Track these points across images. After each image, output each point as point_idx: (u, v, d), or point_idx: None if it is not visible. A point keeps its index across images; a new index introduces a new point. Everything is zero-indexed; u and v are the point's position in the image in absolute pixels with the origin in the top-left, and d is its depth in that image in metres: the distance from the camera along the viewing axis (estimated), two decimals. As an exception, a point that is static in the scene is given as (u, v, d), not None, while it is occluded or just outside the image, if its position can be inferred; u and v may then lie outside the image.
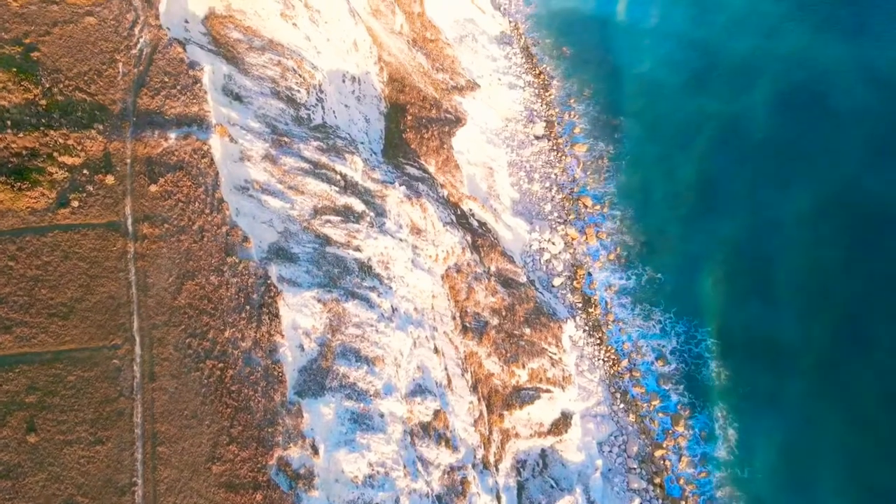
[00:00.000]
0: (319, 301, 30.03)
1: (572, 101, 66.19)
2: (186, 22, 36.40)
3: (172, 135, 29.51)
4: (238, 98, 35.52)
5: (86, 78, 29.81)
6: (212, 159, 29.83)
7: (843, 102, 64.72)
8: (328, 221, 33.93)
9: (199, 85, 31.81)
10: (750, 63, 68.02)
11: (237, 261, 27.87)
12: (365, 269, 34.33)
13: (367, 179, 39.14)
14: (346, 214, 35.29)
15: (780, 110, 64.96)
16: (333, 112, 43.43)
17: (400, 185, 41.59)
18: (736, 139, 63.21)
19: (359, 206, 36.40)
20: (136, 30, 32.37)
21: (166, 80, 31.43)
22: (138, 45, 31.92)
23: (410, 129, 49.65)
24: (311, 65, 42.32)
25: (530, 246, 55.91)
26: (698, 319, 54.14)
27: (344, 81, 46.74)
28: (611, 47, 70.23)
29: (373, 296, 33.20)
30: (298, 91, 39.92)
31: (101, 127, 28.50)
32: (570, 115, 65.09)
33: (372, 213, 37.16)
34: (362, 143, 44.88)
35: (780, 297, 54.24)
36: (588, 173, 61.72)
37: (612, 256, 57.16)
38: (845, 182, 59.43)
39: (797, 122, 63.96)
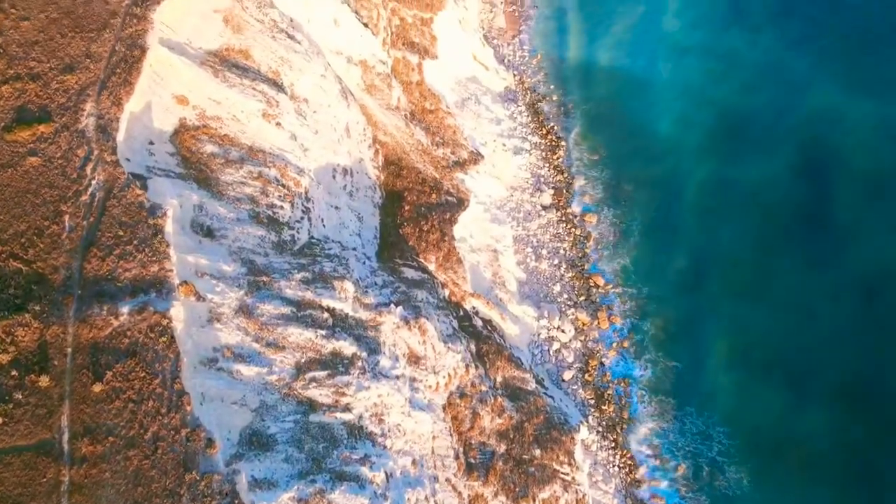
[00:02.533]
0: (299, 502, 25.05)
1: (582, 164, 60.95)
2: (151, 144, 31.29)
3: (125, 309, 24.47)
4: (210, 233, 30.44)
5: (23, 240, 24.76)
6: (172, 336, 24.80)
7: (871, 164, 59.43)
8: (313, 380, 28.94)
9: (160, 237, 26.74)
10: (770, 122, 62.61)
11: (197, 478, 22.87)
12: (355, 432, 29.38)
13: (359, 307, 34.12)
14: (334, 364, 30.29)
15: (803, 175, 59.59)
16: (322, 221, 38.35)
17: (396, 304, 36.59)
18: (757, 208, 57.87)
19: (349, 348, 31.41)
20: (89, 169, 27.30)
21: (121, 233, 26.36)
22: (90, 190, 26.86)
23: (408, 221, 44.56)
24: (296, 169, 37.22)
25: (538, 335, 50.88)
26: (720, 417, 49.20)
27: (334, 177, 41.64)
28: (622, 103, 64.84)
29: (364, 470, 28.23)
30: (281, 207, 34.81)
31: (37, 308, 23.45)
32: (580, 180, 59.88)
33: (364, 353, 32.18)
34: (354, 248, 39.83)
35: (810, 392, 49.22)
36: (599, 247, 56.61)
37: (625, 343, 52.15)
38: (878, 258, 54.24)
39: (822, 188, 58.59)
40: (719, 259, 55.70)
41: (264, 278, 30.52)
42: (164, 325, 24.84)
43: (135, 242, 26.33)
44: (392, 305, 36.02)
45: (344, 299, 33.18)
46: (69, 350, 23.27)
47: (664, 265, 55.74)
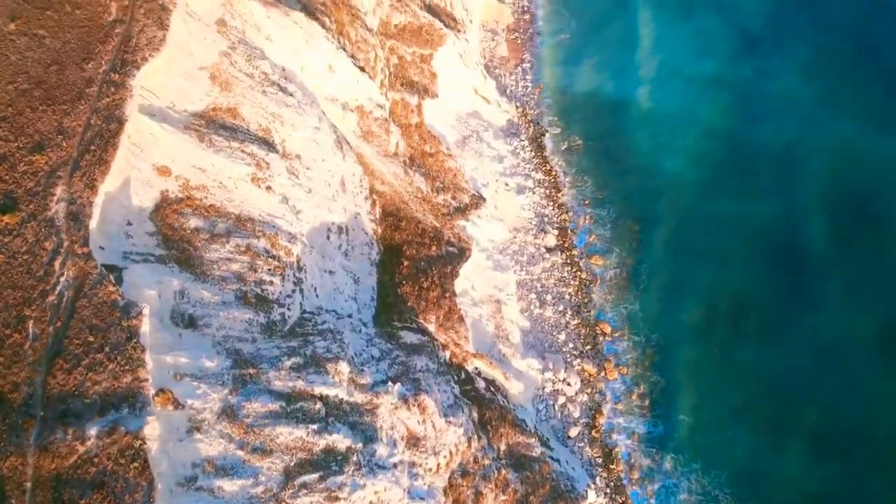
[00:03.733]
0: None
1: (587, 202, 58.33)
2: (129, 224, 28.77)
3: (93, 431, 21.97)
4: (192, 323, 27.94)
5: (-19, 354, 22.28)
6: (145, 460, 22.29)
7: (891, 204, 56.74)
8: (303, 486, 26.44)
9: (134, 342, 24.23)
10: (783, 157, 59.91)
11: None
12: (349, 540, 26.93)
13: (354, 390, 31.61)
14: (327, 463, 27.80)
15: (817, 214, 56.85)
16: (315, 290, 35.82)
17: (394, 381, 34.08)
18: (770, 249, 55.15)
19: (343, 441, 28.92)
20: (57, 264, 24.76)
21: (91, 339, 23.85)
22: (58, 289, 24.33)
23: (407, 279, 42.03)
24: (287, 236, 34.69)
25: (543, 389, 48.33)
26: (728, 476, 46.48)
27: (329, 237, 39.10)
28: (628, 137, 62.25)
29: (358, 585, 25.80)
30: (271, 282, 32.29)
31: (-6, 436, 20.98)
32: (585, 219, 57.27)
33: (360, 443, 29.68)
34: (350, 315, 37.30)
35: (832, 455, 46.52)
36: (606, 292, 54.00)
37: (634, 396, 49.57)
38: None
39: (836, 228, 55.93)
40: (731, 304, 53.01)
41: (251, 370, 28.02)
42: (136, 447, 22.33)
43: (106, 350, 23.80)
44: (389, 383, 33.51)
45: (338, 384, 30.69)
46: (29, 484, 20.79)
47: (674, 310, 53.06)
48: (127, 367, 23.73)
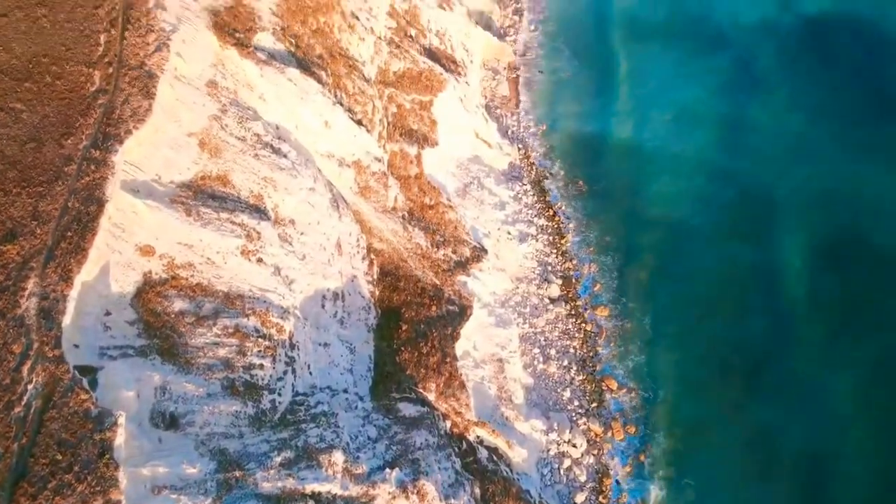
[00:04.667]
0: None
1: (591, 249, 56.24)
2: (107, 314, 26.75)
3: (58, 567, 19.85)
4: (174, 422, 25.85)
5: (-62, 481, 20.20)
6: None
7: (897, 248, 54.76)
8: None
9: (107, 458, 22.14)
10: (792, 200, 57.78)
11: None
12: None
13: (349, 482, 29.42)
14: (318, 573, 25.62)
15: (825, 258, 54.67)
16: (308, 367, 33.73)
17: (392, 466, 31.90)
18: (786, 301, 52.83)
19: (336, 544, 26.75)
20: (25, 370, 22.72)
21: (59, 457, 21.77)
22: (25, 399, 22.27)
23: (406, 344, 39.94)
24: (279, 311, 32.65)
25: (548, 451, 46.06)
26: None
27: (324, 306, 37.06)
28: (632, 180, 60.22)
29: None
30: (261, 366, 30.21)
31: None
32: (590, 268, 55.16)
33: (354, 544, 27.51)
34: (346, 390, 35.19)
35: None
36: (612, 345, 51.84)
37: (642, 457, 47.28)
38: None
39: (849, 274, 53.83)
40: (743, 357, 50.84)
41: (237, 473, 25.88)
42: (106, 583, 20.22)
43: (75, 469, 21.70)
44: (387, 470, 31.33)
45: (332, 477, 28.54)
46: None
47: (682, 364, 50.85)
48: (98, 489, 21.63)
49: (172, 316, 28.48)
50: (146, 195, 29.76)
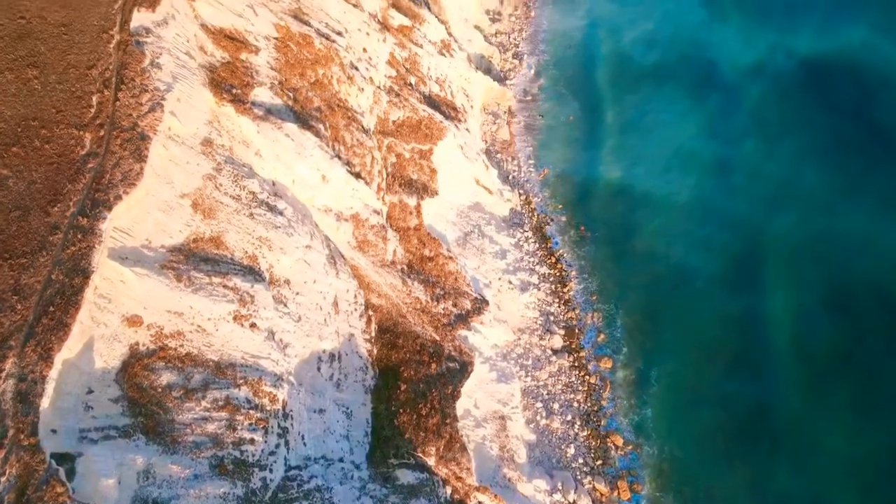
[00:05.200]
0: None
1: (593, 297, 54.94)
2: (89, 393, 25.38)
3: None
4: (156, 509, 24.31)
5: None
6: None
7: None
8: None
9: (81, 559, 20.59)
10: (800, 249, 56.56)
11: None
12: None
13: (343, 565, 27.74)
14: None
15: (832, 304, 53.31)
16: (302, 438, 32.19)
17: (388, 544, 30.21)
18: (794, 352, 51.35)
19: None
20: (-2, 460, 21.30)
21: (31, 559, 20.25)
22: (-3, 494, 20.83)
23: (405, 406, 38.40)
24: (273, 379, 31.25)
25: (552, 513, 44.23)
26: None
27: (319, 369, 35.65)
28: (633, 225, 59.10)
29: None
30: (252, 440, 28.70)
31: None
32: (593, 317, 53.77)
33: None
34: (341, 459, 33.60)
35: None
36: (617, 398, 50.21)
37: (649, 519, 45.42)
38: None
39: (861, 327, 52.29)
40: (751, 411, 49.17)
41: (223, 563, 24.25)
42: None
43: (48, 574, 20.18)
44: (383, 548, 29.63)
45: (324, 560, 26.85)
46: None
47: (688, 418, 49.17)
48: None
49: (159, 390, 27.09)
50: (135, 262, 28.59)
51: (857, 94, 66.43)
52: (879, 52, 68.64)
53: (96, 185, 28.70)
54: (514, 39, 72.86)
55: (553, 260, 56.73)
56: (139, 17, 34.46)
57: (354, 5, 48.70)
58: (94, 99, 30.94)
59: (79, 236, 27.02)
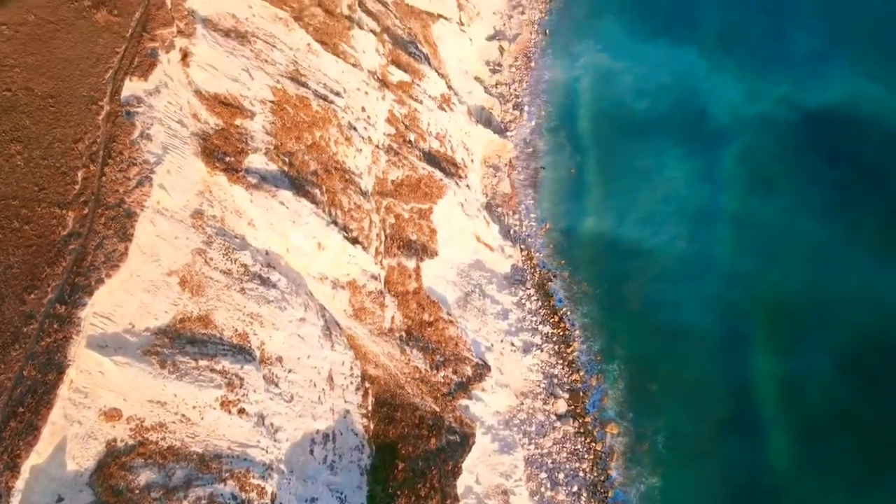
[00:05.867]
0: None
1: (599, 358, 52.92)
2: (60, 501, 23.31)
3: None
4: None
5: None
6: None
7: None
8: None
9: None
10: (806, 307, 54.74)
11: None
12: None
13: None
14: None
15: (846, 372, 51.28)
16: (292, 533, 30.00)
17: None
18: (801, 414, 49.41)
19: None
20: (-49, 591, 19.17)
21: None
22: None
23: (402, 487, 36.17)
24: (261, 469, 29.17)
25: None
26: None
27: (312, 452, 33.54)
28: (638, 281, 57.27)
29: None
30: (237, 542, 26.55)
31: None
32: (597, 379, 51.69)
33: None
34: (334, 553, 31.30)
35: None
36: (623, 466, 47.86)
37: None
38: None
39: (873, 386, 50.36)
40: (762, 481, 46.84)
41: None
42: None
43: None
44: None
45: None
46: None
47: (698, 489, 46.85)
48: None
49: (137, 492, 25.03)
50: (115, 350, 26.79)
51: (854, 144, 65.41)
52: (876, 102, 67.81)
53: (77, 268, 27.06)
54: (515, 90, 72.05)
55: (556, 318, 54.85)
56: (131, 87, 33.30)
57: (353, 65, 47.80)
58: (80, 174, 29.52)
59: (55, 326, 25.27)
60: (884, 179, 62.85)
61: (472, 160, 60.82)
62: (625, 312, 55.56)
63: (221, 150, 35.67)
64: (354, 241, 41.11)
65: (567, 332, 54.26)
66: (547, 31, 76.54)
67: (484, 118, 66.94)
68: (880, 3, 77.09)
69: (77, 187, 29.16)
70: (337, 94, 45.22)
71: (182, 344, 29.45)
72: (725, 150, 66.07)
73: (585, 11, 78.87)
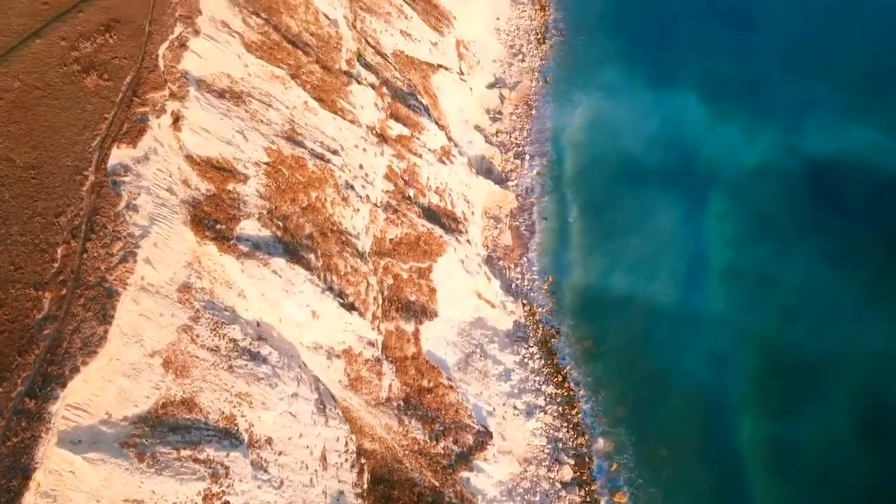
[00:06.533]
0: None
1: (604, 420, 50.54)
2: None
3: None
4: None
5: None
6: None
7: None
8: None
9: None
10: (821, 363, 52.52)
11: None
12: None
13: None
14: None
15: (869, 435, 49.00)
16: None
17: None
18: (820, 480, 46.88)
19: None
20: None
21: None
22: None
23: (399, 577, 33.61)
24: (246, 570, 26.80)
25: None
26: None
27: (303, 543, 31.15)
28: (647, 339, 55.12)
29: None
30: None
31: None
32: (604, 444, 49.27)
33: None
34: None
35: None
36: (633, 540, 45.24)
37: None
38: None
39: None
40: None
41: None
42: None
43: None
44: None
45: None
46: None
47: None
48: None
49: None
50: (89, 445, 24.72)
51: (867, 196, 64.00)
52: (889, 153, 66.58)
53: (51, 356, 25.17)
54: (516, 139, 70.96)
55: (560, 378, 52.64)
56: (118, 154, 31.89)
57: (351, 121, 46.57)
58: (59, 251, 27.85)
59: (23, 424, 23.27)
60: (883, 227, 61.28)
61: (472, 212, 59.30)
62: (631, 371, 53.32)
63: (212, 218, 34.06)
64: (351, 307, 39.26)
65: (571, 393, 52.00)
66: (547, 79, 75.74)
67: (484, 168, 65.68)
68: (879, 49, 76.46)
69: (56, 265, 27.45)
70: (334, 152, 43.87)
71: (163, 432, 27.39)
72: (728, 199, 64.49)
73: (585, 58, 78.23)
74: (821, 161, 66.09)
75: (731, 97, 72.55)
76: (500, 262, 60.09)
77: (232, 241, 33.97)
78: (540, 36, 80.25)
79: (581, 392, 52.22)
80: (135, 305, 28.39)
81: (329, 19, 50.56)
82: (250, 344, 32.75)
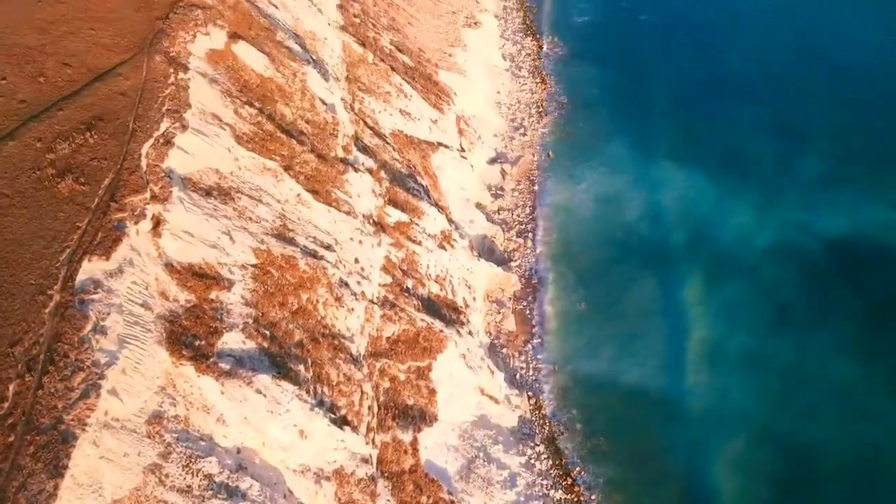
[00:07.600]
0: None
1: (618, 530, 46.23)
2: None
3: None
4: None
5: None
6: None
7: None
8: None
9: None
10: (848, 464, 48.48)
11: None
12: None
13: None
14: None
15: None
16: None
17: None
18: None
19: None
20: None
21: None
22: None
23: None
24: None
25: None
26: None
27: None
28: (659, 436, 51.06)
29: None
30: None
31: None
32: (619, 559, 44.80)
33: None
34: None
35: None
36: None
37: None
38: None
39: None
40: None
41: None
42: None
43: None
44: None
45: None
46: None
47: None
48: None
49: None
50: None
51: (888, 278, 60.92)
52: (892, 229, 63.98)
53: (-12, 523, 21.59)
54: (518, 216, 68.50)
55: (569, 481, 48.48)
56: (89, 269, 28.97)
57: (347, 213, 43.98)
58: (11, 388, 24.57)
59: None
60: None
61: (474, 298, 56.17)
62: (644, 472, 49.27)
63: (191, 333, 30.91)
64: (343, 420, 35.67)
65: (581, 498, 47.77)
66: (550, 154, 73.83)
67: (486, 249, 62.92)
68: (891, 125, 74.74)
69: (6, 405, 24.13)
70: (327, 247, 41.06)
71: None
72: (741, 282, 61.33)
73: (588, 131, 76.52)
74: (836, 241, 63.37)
75: (740, 174, 70.37)
76: (504, 350, 56.61)
77: (212, 360, 30.70)
78: (541, 109, 78.86)
79: (592, 497, 48.02)
80: (94, 448, 24.94)
81: (326, 104, 48.66)
82: (228, 478, 29.07)
